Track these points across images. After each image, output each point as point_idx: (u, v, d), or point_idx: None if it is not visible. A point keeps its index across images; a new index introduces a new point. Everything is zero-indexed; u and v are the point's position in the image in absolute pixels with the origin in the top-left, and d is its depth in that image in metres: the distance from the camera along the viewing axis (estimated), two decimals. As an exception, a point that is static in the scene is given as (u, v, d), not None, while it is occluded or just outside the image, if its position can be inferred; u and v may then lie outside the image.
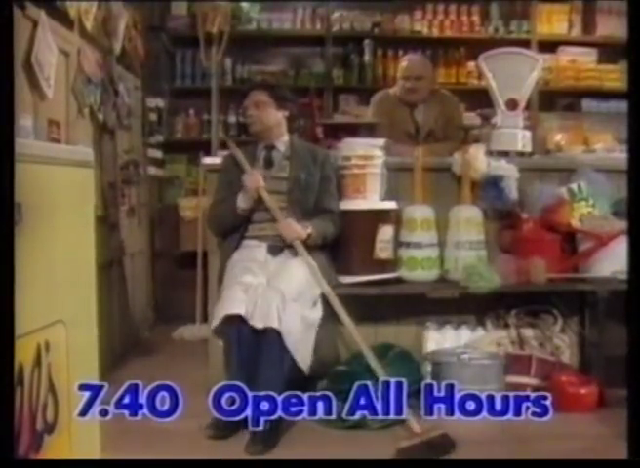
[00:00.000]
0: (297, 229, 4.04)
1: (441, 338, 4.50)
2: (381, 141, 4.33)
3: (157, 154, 6.75)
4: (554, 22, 7.50)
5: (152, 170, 6.64)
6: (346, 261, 4.25)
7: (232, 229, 4.20)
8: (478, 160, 4.40)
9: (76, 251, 2.14)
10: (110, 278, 5.29)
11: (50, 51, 4.02)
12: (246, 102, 4.24)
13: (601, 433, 3.79)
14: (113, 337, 5.22)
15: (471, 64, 7.24)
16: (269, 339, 3.74)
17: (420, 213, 4.41)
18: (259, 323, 3.75)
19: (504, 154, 4.62)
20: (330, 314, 4.02)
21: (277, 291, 3.81)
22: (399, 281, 4.35)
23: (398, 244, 4.36)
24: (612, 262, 4.24)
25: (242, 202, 4.11)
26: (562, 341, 4.45)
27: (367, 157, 4.25)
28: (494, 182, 4.40)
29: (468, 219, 4.40)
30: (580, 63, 7.45)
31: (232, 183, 4.21)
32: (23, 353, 1.80)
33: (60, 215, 2.01)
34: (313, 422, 3.90)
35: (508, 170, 4.41)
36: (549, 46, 7.37)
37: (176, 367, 4.86)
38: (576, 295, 4.51)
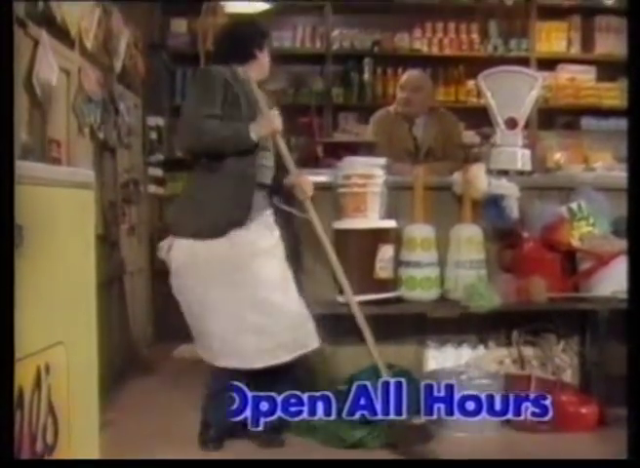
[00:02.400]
0: (311, 186, 3.99)
1: (442, 357, 4.49)
2: (382, 160, 4.33)
3: (157, 172, 6.75)
4: (553, 40, 7.53)
5: (153, 188, 6.64)
6: (347, 280, 4.24)
7: (223, 153, 3.76)
8: (479, 179, 4.40)
9: (77, 272, 2.14)
10: (110, 296, 5.28)
11: (51, 70, 4.03)
12: None
13: (602, 452, 3.78)
14: (113, 356, 5.21)
15: (471, 82, 7.27)
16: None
17: (420, 232, 4.39)
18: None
19: (504, 173, 4.63)
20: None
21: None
22: (399, 300, 4.35)
23: (398, 263, 4.36)
24: (612, 282, 4.23)
25: (254, 134, 3.77)
26: (563, 361, 4.44)
27: (367, 176, 4.24)
28: (494, 201, 4.40)
29: (469, 239, 4.39)
30: (580, 81, 7.48)
31: (232, 105, 3.79)
32: (23, 376, 1.80)
33: (61, 237, 2.01)
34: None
35: (509, 189, 4.41)
36: (548, 64, 7.40)
37: (176, 385, 4.86)
38: (576, 315, 4.51)
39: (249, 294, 3.71)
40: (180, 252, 3.78)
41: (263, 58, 3.98)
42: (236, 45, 3.91)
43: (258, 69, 3.96)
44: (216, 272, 3.72)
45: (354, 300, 3.98)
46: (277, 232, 3.91)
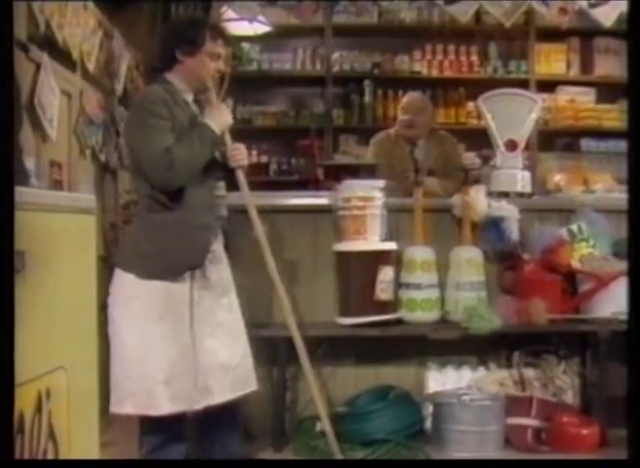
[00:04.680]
0: (246, 154, 3.71)
1: (442, 379, 4.49)
2: (381, 183, 4.33)
3: (158, 194, 6.76)
4: (552, 62, 7.55)
5: (153, 209, 6.64)
6: (347, 303, 4.24)
7: (200, 168, 3.50)
8: (478, 202, 4.41)
9: (78, 297, 2.15)
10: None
11: (53, 93, 4.04)
12: None
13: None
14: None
15: (471, 104, 7.29)
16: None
17: (420, 254, 4.40)
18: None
19: (504, 195, 4.64)
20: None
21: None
22: (400, 322, 4.34)
23: (398, 285, 4.35)
24: (612, 303, 4.23)
25: (216, 128, 3.53)
26: (564, 382, 4.44)
27: (367, 198, 4.24)
28: (494, 224, 4.40)
29: (469, 260, 4.39)
30: (579, 103, 7.49)
31: (177, 121, 3.50)
32: (24, 400, 1.80)
33: (63, 263, 2.01)
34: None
35: (509, 211, 4.42)
36: (548, 86, 7.41)
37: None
38: (577, 336, 4.51)
39: (189, 334, 3.45)
40: (120, 286, 3.44)
41: (193, 64, 3.57)
42: (159, 48, 3.70)
43: (185, 75, 3.59)
44: (161, 310, 3.39)
45: (293, 322, 3.78)
46: (223, 263, 3.66)
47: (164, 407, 3.36)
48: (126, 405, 3.39)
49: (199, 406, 3.45)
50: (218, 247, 3.64)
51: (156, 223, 3.45)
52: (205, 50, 3.57)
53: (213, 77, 3.62)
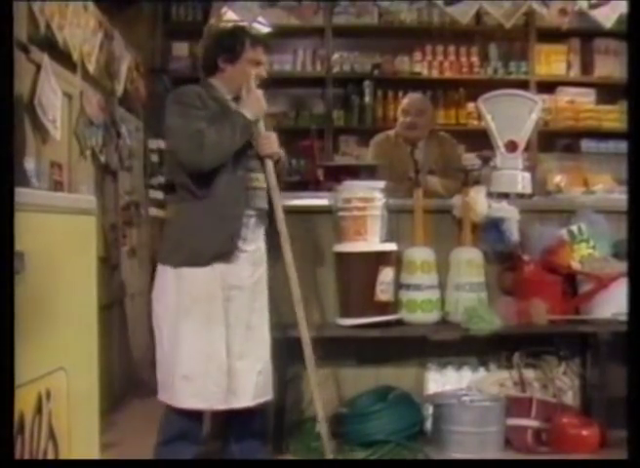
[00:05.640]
0: (277, 144, 3.72)
1: (442, 380, 4.49)
2: (381, 184, 4.33)
3: (158, 195, 6.75)
4: (552, 63, 7.54)
5: (153, 211, 6.63)
6: (347, 303, 4.24)
7: (230, 156, 3.54)
8: (478, 203, 4.41)
9: (78, 298, 2.15)
10: (111, 318, 5.29)
11: (54, 94, 4.05)
12: None
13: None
14: (113, 378, 5.21)
15: (471, 105, 7.27)
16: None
17: (420, 254, 4.39)
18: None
19: (504, 196, 4.63)
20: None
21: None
22: (400, 323, 4.34)
23: (398, 286, 4.35)
24: (612, 304, 4.23)
25: (249, 115, 3.58)
26: (564, 383, 4.44)
27: (367, 199, 4.24)
28: (495, 225, 4.40)
29: (469, 261, 4.39)
30: (579, 104, 7.48)
31: (211, 118, 3.56)
32: (24, 402, 1.80)
33: (63, 263, 2.01)
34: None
35: (509, 212, 4.42)
36: (548, 86, 7.41)
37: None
38: (577, 337, 4.51)
39: (218, 333, 3.49)
40: (159, 279, 3.57)
41: (234, 71, 3.67)
42: (203, 55, 3.79)
43: (226, 82, 3.69)
44: (190, 304, 3.47)
45: (304, 325, 3.75)
46: (262, 267, 3.70)
47: (185, 401, 3.44)
48: (161, 393, 3.54)
49: (222, 407, 3.52)
50: (258, 248, 3.70)
51: (186, 212, 3.59)
52: (245, 57, 3.67)
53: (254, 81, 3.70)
